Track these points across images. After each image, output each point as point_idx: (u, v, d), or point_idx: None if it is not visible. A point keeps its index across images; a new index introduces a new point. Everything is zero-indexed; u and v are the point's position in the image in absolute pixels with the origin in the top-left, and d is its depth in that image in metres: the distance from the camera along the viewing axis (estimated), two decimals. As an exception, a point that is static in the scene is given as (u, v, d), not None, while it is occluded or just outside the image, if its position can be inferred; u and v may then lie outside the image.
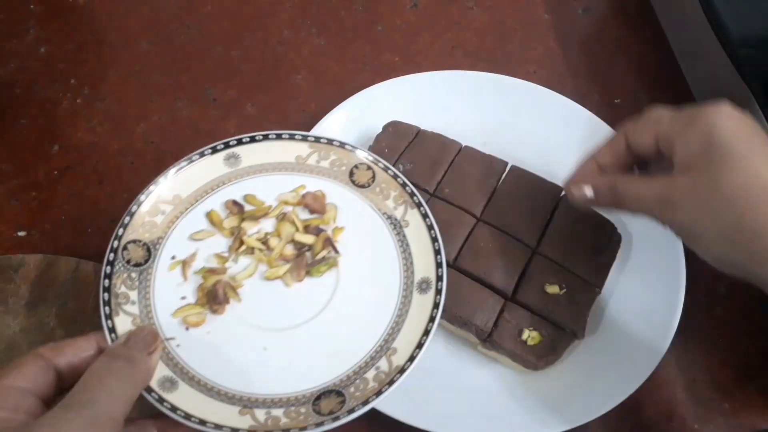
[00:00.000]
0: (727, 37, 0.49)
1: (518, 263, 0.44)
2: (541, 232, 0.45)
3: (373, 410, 0.40)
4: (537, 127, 0.51)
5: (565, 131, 0.51)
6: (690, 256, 0.46)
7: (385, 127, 0.49)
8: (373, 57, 0.58)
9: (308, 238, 0.40)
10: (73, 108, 0.54)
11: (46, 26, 0.58)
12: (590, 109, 0.51)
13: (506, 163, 0.48)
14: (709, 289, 0.48)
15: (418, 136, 0.48)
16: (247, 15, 0.59)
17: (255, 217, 0.41)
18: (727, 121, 0.33)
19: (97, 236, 0.49)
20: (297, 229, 0.41)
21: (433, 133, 0.49)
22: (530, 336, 0.42)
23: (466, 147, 0.48)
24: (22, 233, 0.49)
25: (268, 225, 0.41)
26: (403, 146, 0.47)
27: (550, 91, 0.52)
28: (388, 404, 0.40)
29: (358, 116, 0.50)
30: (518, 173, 0.47)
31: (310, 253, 0.40)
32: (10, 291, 0.45)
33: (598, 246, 0.45)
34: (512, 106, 0.52)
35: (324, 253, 0.40)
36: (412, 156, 0.47)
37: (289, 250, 0.40)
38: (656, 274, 0.45)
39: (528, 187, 0.46)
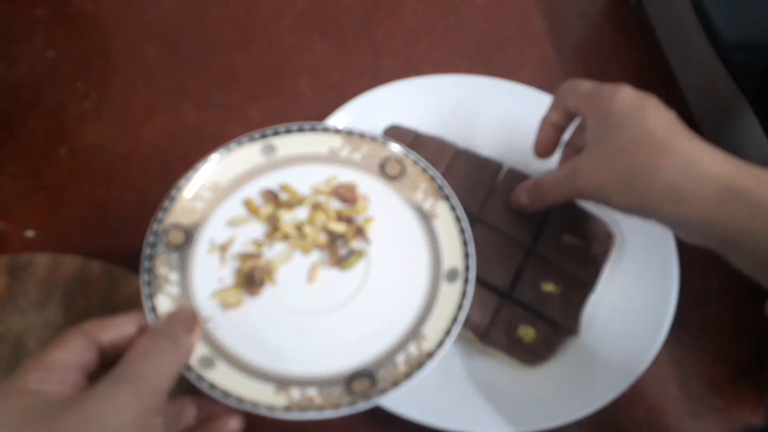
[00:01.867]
0: (720, 41, 0.50)
1: (514, 262, 0.44)
2: (537, 232, 0.46)
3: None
4: (533, 130, 0.52)
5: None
6: (683, 255, 0.47)
7: (386, 131, 0.50)
8: (374, 62, 0.59)
9: (340, 227, 0.42)
10: (80, 111, 0.55)
11: (53, 31, 0.59)
12: (585, 113, 0.53)
13: (502, 165, 0.49)
14: (702, 287, 0.49)
15: (415, 139, 0.49)
16: (252, 22, 0.60)
17: (290, 206, 0.42)
18: (625, 99, 0.38)
19: (104, 236, 0.50)
20: (329, 218, 0.42)
21: (431, 136, 0.49)
22: (526, 333, 0.43)
23: (463, 149, 0.49)
24: (30, 233, 0.50)
25: (302, 213, 0.42)
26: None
27: (546, 94, 0.53)
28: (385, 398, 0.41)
29: (359, 120, 0.51)
30: (514, 175, 0.48)
31: (342, 242, 0.41)
32: (17, 290, 0.46)
33: (593, 245, 0.46)
34: (509, 109, 0.53)
35: (355, 241, 0.41)
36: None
37: (323, 238, 0.42)
38: (649, 272, 0.46)
39: (524, 188, 0.47)
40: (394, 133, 0.49)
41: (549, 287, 0.44)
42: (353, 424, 0.44)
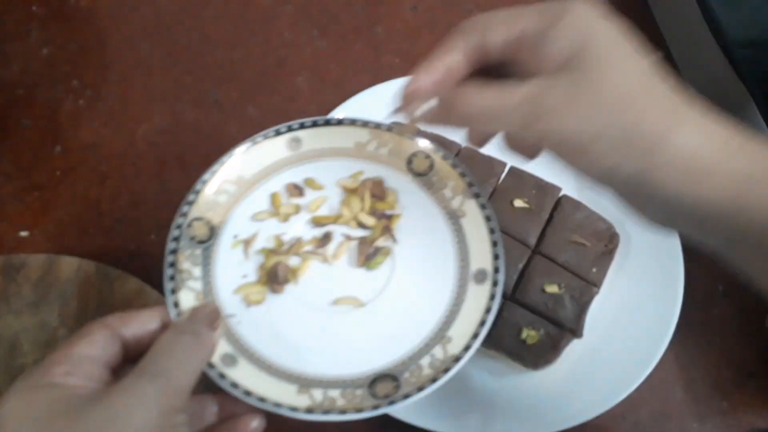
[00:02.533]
0: (725, 39, 0.49)
1: (517, 263, 0.44)
2: (541, 232, 0.45)
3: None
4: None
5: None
6: (688, 256, 0.46)
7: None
8: (374, 59, 0.58)
9: (370, 220, 0.40)
10: (75, 109, 0.55)
11: (48, 28, 0.58)
12: (589, 111, 0.52)
13: (505, 164, 0.48)
14: (708, 289, 0.49)
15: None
16: (249, 17, 0.60)
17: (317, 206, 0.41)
18: (601, 21, 0.30)
19: (99, 236, 0.50)
20: (362, 209, 0.41)
21: (432, 134, 0.49)
22: (529, 335, 0.42)
23: (465, 147, 0.49)
24: (24, 233, 0.50)
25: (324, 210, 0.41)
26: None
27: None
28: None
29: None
30: (517, 174, 0.47)
31: (368, 238, 0.40)
32: (12, 291, 0.45)
33: (597, 246, 0.45)
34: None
35: (381, 240, 0.40)
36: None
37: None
38: (654, 274, 0.46)
39: (527, 187, 0.47)
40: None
41: (553, 288, 0.43)
42: (353, 425, 0.44)
